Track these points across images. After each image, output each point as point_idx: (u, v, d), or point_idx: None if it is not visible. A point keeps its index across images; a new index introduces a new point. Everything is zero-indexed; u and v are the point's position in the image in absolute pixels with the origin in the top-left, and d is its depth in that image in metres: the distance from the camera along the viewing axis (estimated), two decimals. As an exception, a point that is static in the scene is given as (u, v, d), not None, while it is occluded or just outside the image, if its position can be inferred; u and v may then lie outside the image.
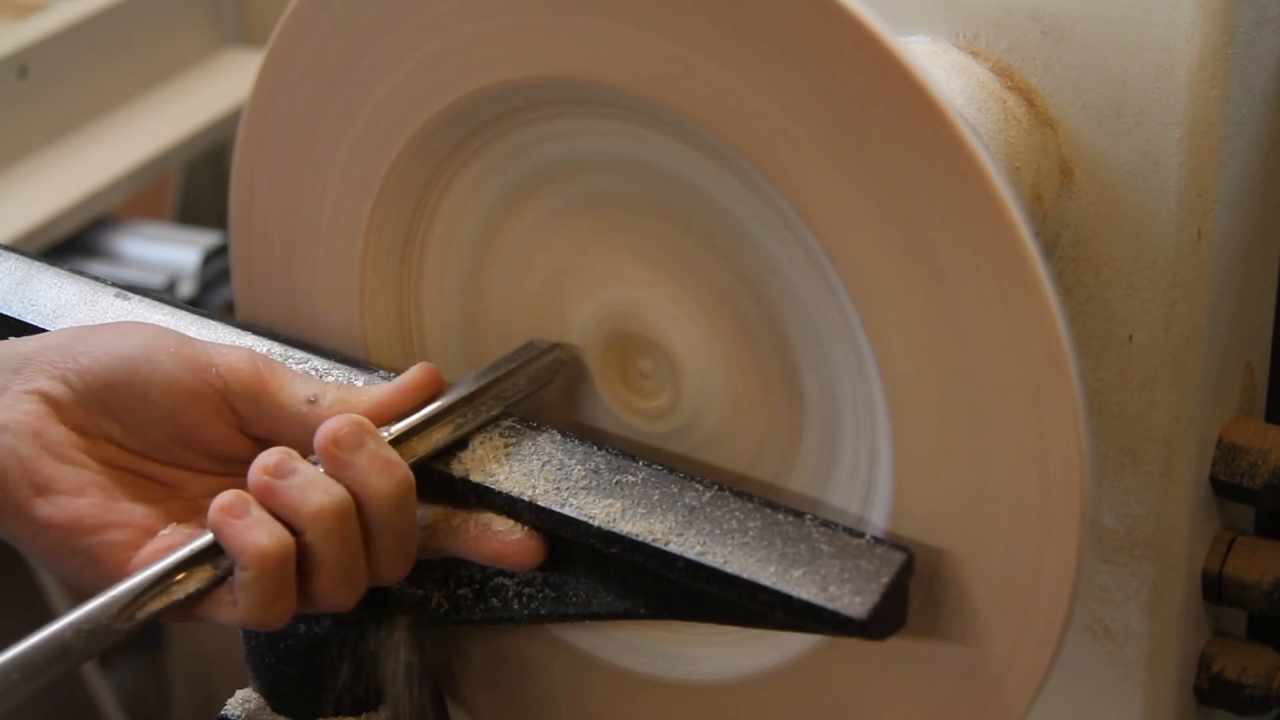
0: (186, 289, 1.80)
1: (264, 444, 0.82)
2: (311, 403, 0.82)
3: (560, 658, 0.93)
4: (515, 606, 0.84)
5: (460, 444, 0.84)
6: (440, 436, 0.83)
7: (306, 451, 0.80)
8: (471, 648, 0.96)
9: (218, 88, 1.96)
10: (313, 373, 0.88)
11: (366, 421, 0.80)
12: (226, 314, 0.95)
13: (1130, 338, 0.93)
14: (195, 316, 0.91)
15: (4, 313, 0.92)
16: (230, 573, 0.77)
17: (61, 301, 0.92)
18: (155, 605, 0.76)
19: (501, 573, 0.84)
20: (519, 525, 0.82)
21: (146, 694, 2.08)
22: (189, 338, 0.84)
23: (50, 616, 0.75)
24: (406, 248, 0.91)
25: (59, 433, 0.80)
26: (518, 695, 0.95)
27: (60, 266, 0.94)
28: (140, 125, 1.87)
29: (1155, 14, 0.87)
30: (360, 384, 0.86)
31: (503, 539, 0.82)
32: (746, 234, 0.83)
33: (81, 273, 0.94)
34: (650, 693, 0.91)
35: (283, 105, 0.89)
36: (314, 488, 0.78)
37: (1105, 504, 0.96)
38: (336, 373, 0.87)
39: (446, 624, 0.86)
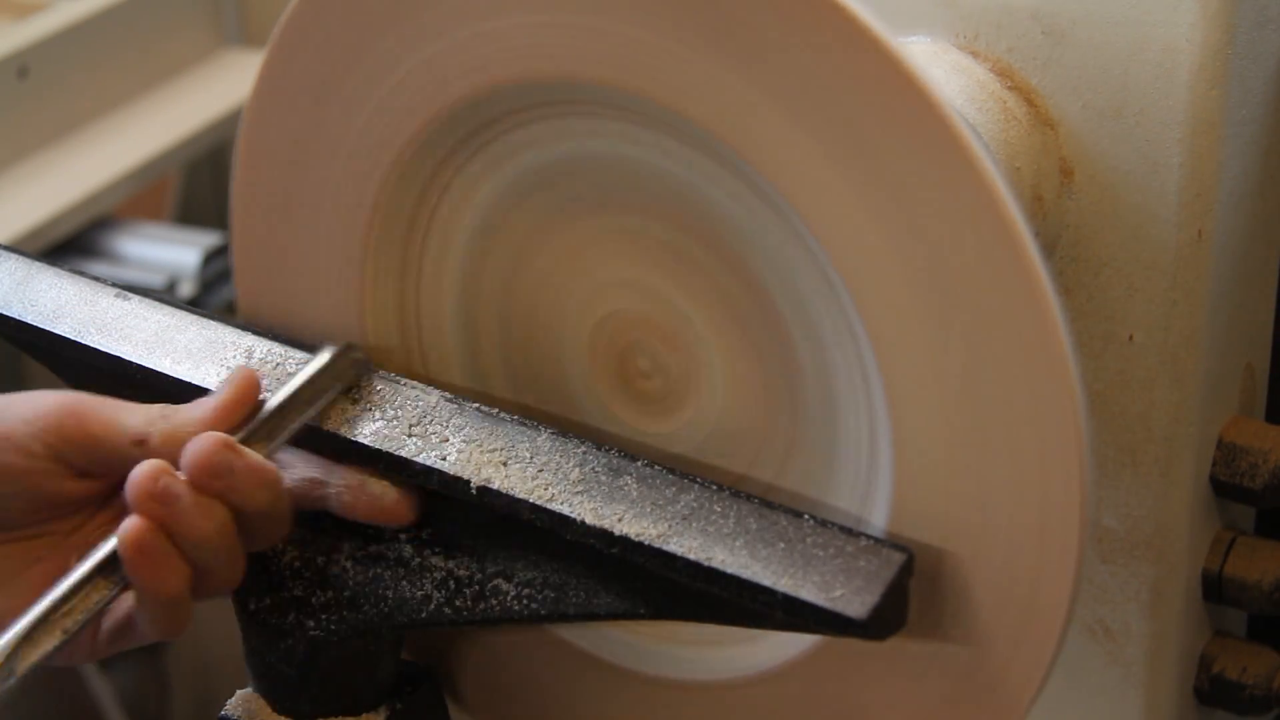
0: (186, 289, 1.79)
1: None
2: (140, 444, 0.81)
3: (560, 658, 0.93)
4: (515, 607, 0.84)
5: (453, 445, 0.84)
6: (281, 437, 0.84)
7: None
8: (471, 648, 0.96)
9: (218, 88, 1.96)
10: None
11: (228, 439, 0.80)
12: (227, 314, 0.95)
13: (1130, 338, 0.93)
14: (195, 316, 0.91)
15: (4, 313, 0.92)
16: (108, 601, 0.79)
17: (61, 302, 0.92)
18: (34, 656, 0.77)
19: (501, 573, 0.84)
20: (392, 486, 0.84)
21: (146, 694, 2.08)
22: None
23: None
24: (407, 247, 0.91)
25: None
26: (517, 696, 0.95)
27: (60, 266, 0.94)
28: (140, 125, 1.87)
29: (1155, 14, 0.87)
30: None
31: (379, 499, 0.83)
32: (746, 235, 0.83)
33: (81, 273, 0.94)
34: (650, 692, 0.91)
35: (283, 105, 0.89)
36: (201, 515, 0.79)
37: (1105, 504, 0.96)
38: None
39: (447, 624, 0.86)
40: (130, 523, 0.78)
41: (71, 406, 0.82)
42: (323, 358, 0.87)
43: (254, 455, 0.81)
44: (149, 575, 0.78)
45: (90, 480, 0.83)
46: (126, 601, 0.81)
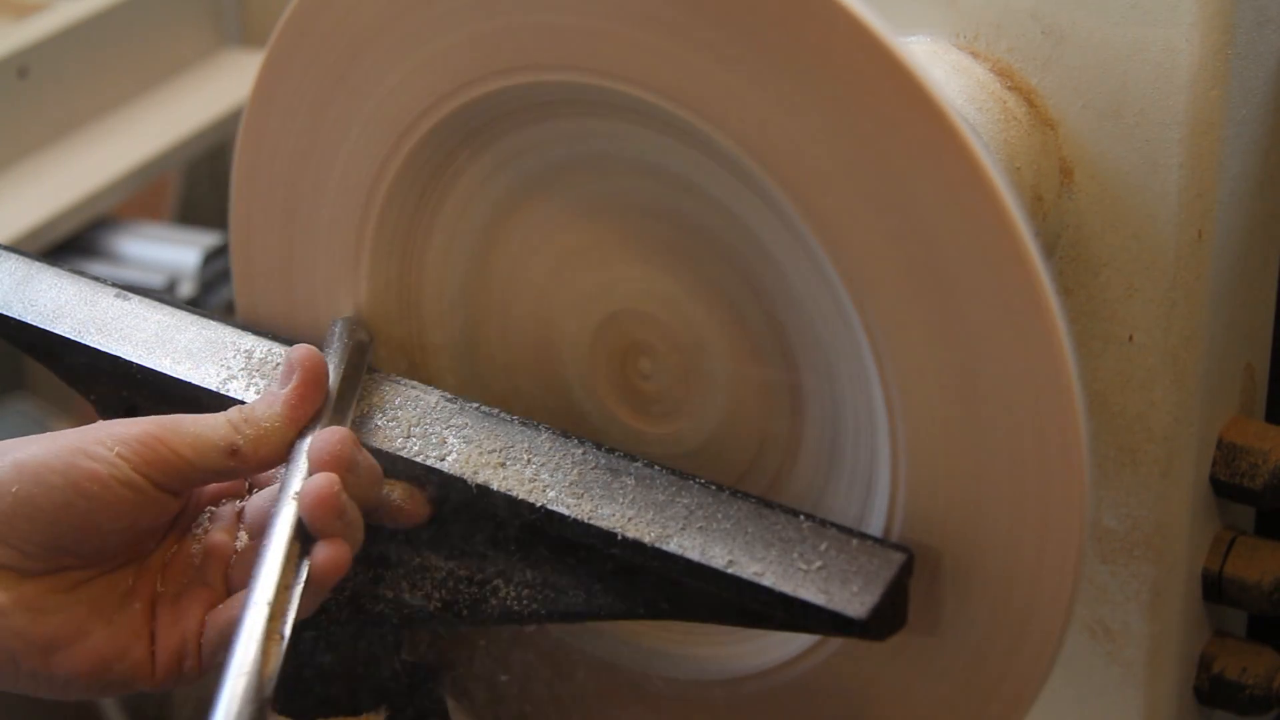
0: (186, 289, 1.79)
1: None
2: (234, 453, 0.81)
3: (560, 657, 0.93)
4: (515, 607, 0.84)
5: (452, 445, 0.84)
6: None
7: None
8: (472, 648, 0.96)
9: (218, 88, 1.95)
10: None
11: (351, 433, 0.81)
12: (226, 314, 0.95)
13: (1130, 338, 0.93)
14: (195, 316, 0.91)
15: (4, 313, 0.92)
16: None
17: (61, 301, 0.92)
18: (287, 620, 0.77)
19: (500, 573, 0.84)
20: (403, 487, 0.84)
21: (147, 694, 2.08)
22: (81, 450, 0.80)
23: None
24: (408, 247, 0.91)
25: (30, 589, 0.79)
26: (518, 695, 0.95)
27: (60, 266, 0.94)
28: (140, 125, 1.87)
29: (1155, 14, 0.87)
30: None
31: (389, 501, 0.84)
32: (748, 235, 0.83)
33: (81, 273, 0.94)
34: (651, 690, 0.91)
35: (283, 105, 0.89)
36: (372, 482, 0.81)
37: (1105, 504, 0.96)
38: None
39: (447, 624, 0.86)
40: (319, 479, 0.79)
41: (155, 433, 0.81)
42: (341, 339, 0.87)
43: (365, 453, 0.82)
44: (333, 525, 0.78)
45: (178, 500, 0.83)
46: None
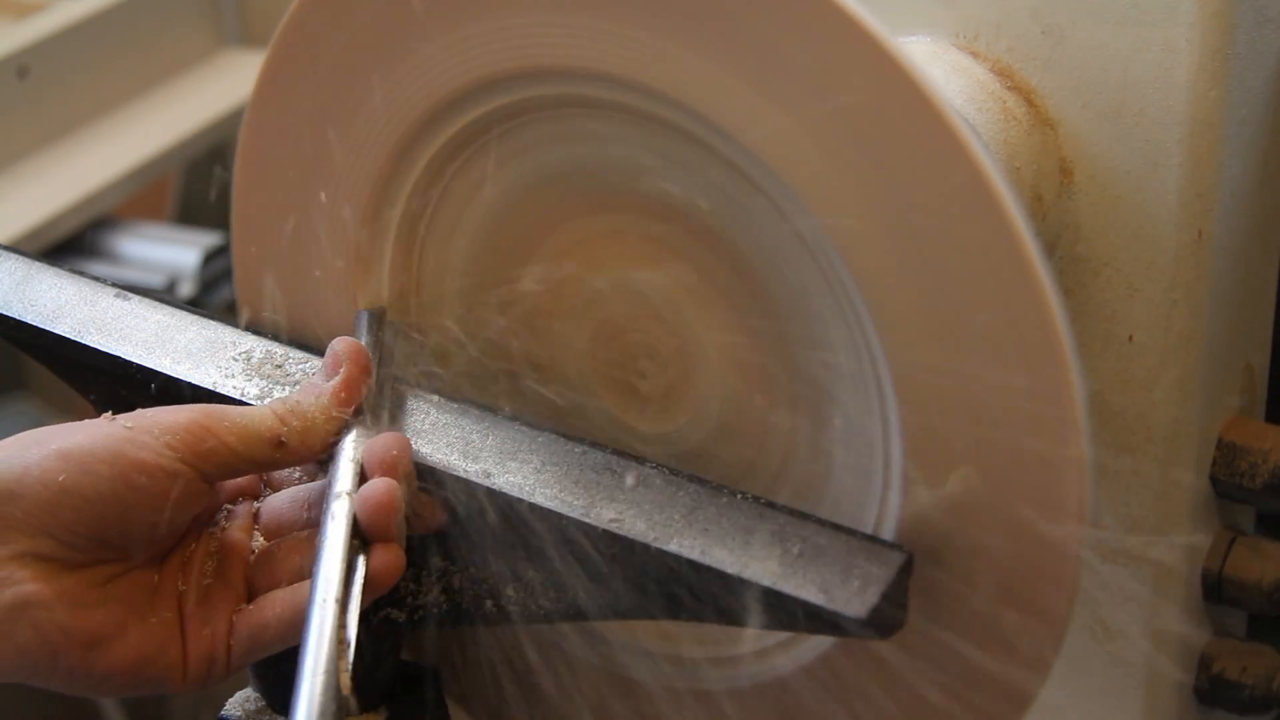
0: (186, 289, 1.79)
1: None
2: (280, 445, 0.81)
3: (560, 658, 0.93)
4: (516, 606, 0.84)
5: (454, 445, 0.84)
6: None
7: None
8: (472, 648, 0.96)
9: (218, 88, 1.96)
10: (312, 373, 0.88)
11: (407, 440, 0.82)
12: (227, 314, 0.95)
13: (1130, 338, 0.93)
14: (195, 316, 0.91)
15: (4, 313, 0.92)
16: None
17: (61, 302, 0.92)
18: (348, 643, 0.77)
19: (502, 573, 0.84)
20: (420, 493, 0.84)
21: (147, 694, 2.08)
22: (128, 439, 0.80)
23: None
24: (409, 246, 0.91)
25: (70, 581, 0.78)
26: (517, 695, 0.95)
27: (60, 266, 0.94)
28: (140, 125, 1.87)
29: (1155, 14, 0.87)
30: None
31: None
32: (750, 234, 0.83)
33: (81, 273, 0.94)
34: (652, 691, 0.91)
35: (283, 105, 0.89)
36: (413, 490, 0.82)
37: (1105, 504, 0.96)
38: None
39: (447, 624, 0.86)
40: (381, 484, 0.79)
41: (202, 422, 0.80)
42: (372, 332, 0.87)
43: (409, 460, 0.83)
44: (391, 530, 0.79)
45: (212, 492, 0.82)
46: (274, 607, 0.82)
